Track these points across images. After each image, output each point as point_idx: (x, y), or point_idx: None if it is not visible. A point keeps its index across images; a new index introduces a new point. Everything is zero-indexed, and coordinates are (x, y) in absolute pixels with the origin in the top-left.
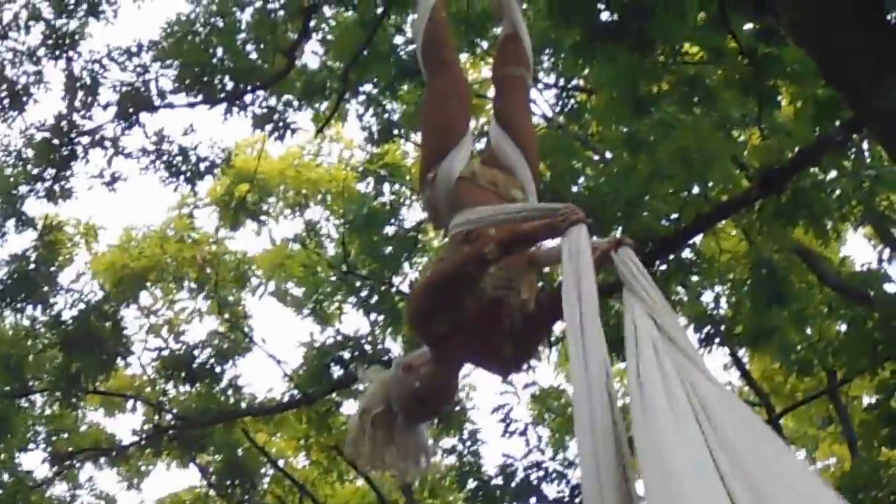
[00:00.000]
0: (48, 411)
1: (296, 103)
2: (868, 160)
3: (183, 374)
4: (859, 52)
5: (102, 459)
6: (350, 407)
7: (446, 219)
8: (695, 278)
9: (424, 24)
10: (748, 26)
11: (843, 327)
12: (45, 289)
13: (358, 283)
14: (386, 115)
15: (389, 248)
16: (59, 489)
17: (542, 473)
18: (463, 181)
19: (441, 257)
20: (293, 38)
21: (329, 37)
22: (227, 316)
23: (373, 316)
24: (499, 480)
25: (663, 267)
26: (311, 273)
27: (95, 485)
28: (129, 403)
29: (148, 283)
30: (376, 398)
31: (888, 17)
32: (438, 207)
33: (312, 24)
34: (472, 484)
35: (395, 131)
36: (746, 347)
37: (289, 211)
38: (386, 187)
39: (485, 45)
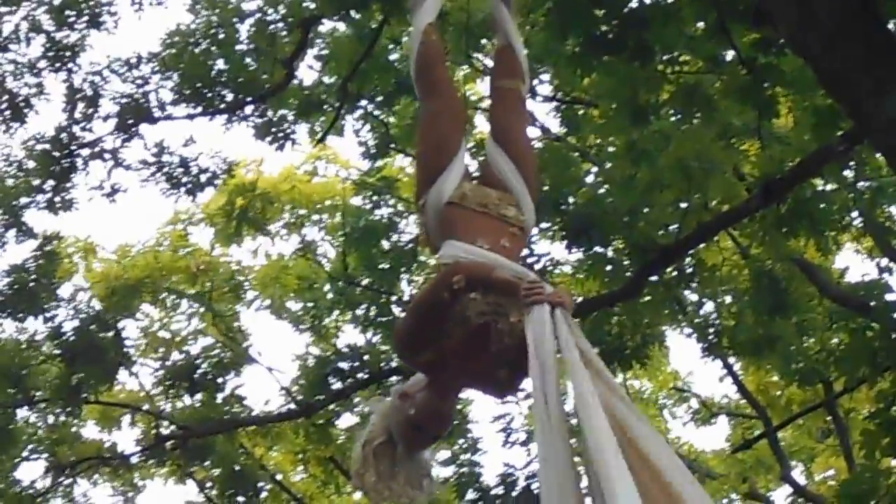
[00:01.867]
0: (49, 422)
1: (292, 119)
2: (868, 171)
3: (184, 385)
4: (858, 66)
5: (100, 473)
6: (348, 420)
7: (437, 244)
8: (691, 291)
9: (417, 47)
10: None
11: (843, 338)
12: (45, 299)
13: (356, 296)
14: (383, 130)
15: (387, 263)
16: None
17: None
18: (451, 206)
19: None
20: (292, 49)
21: (326, 52)
22: (223, 329)
23: (371, 331)
24: (499, 490)
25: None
26: (308, 285)
27: (91, 499)
28: (129, 417)
29: (143, 295)
30: (377, 429)
31: (888, 30)
32: (430, 233)
33: (311, 36)
34: (471, 494)
35: (392, 145)
36: (747, 358)
37: (286, 230)
38: (384, 201)
39: (482, 57)
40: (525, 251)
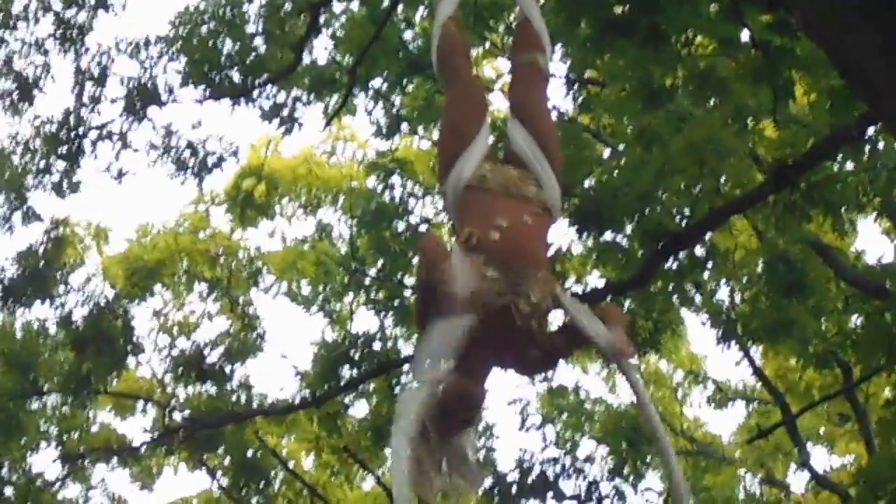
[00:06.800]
0: (59, 411)
1: (305, 98)
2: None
3: (193, 374)
4: (872, 48)
5: (114, 459)
6: (360, 408)
7: (457, 227)
8: (708, 275)
9: (437, 39)
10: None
11: (860, 321)
12: (54, 285)
13: (367, 281)
14: (394, 110)
15: (398, 244)
16: (73, 490)
17: (558, 469)
18: (470, 189)
19: None
20: (302, 32)
21: (338, 32)
22: (238, 314)
23: (382, 314)
24: (515, 475)
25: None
26: (324, 271)
27: (108, 486)
28: (140, 405)
29: (161, 278)
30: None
31: None
32: (450, 216)
33: (322, 18)
34: (488, 480)
35: (404, 125)
36: (764, 342)
37: (301, 212)
38: (397, 182)
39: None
40: None
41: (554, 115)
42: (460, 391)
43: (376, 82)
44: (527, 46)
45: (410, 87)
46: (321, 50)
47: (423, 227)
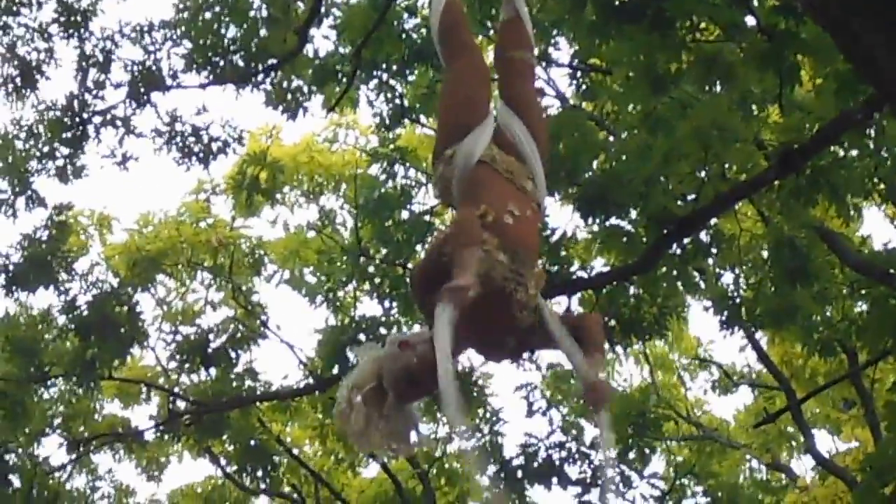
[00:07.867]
0: (65, 397)
1: (306, 88)
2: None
3: (198, 360)
4: (878, 30)
5: (120, 448)
6: None
7: (457, 199)
8: (712, 260)
9: (440, 11)
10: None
11: (865, 307)
12: (59, 271)
13: (371, 269)
14: (397, 100)
15: (401, 233)
16: (80, 481)
17: (564, 454)
18: (482, 165)
19: None
20: (305, 17)
21: (340, 20)
22: (241, 302)
23: (386, 302)
24: (520, 461)
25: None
26: (327, 260)
27: (115, 476)
28: (144, 392)
29: (163, 267)
30: (367, 374)
31: None
32: (451, 186)
33: (323, 7)
34: (493, 466)
35: (407, 116)
36: (768, 328)
37: (303, 199)
38: (399, 171)
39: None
40: None
41: (557, 103)
42: (432, 364)
43: (378, 72)
44: (518, 44)
45: (412, 77)
46: (323, 41)
47: (426, 217)
